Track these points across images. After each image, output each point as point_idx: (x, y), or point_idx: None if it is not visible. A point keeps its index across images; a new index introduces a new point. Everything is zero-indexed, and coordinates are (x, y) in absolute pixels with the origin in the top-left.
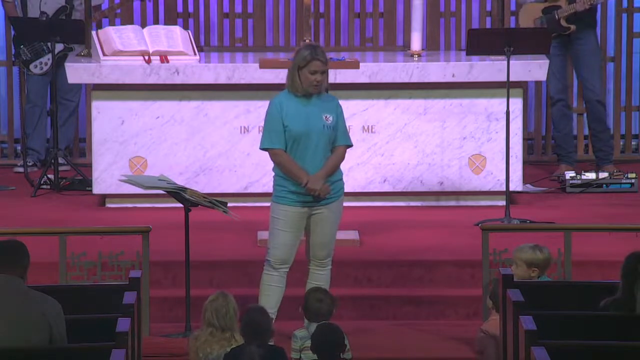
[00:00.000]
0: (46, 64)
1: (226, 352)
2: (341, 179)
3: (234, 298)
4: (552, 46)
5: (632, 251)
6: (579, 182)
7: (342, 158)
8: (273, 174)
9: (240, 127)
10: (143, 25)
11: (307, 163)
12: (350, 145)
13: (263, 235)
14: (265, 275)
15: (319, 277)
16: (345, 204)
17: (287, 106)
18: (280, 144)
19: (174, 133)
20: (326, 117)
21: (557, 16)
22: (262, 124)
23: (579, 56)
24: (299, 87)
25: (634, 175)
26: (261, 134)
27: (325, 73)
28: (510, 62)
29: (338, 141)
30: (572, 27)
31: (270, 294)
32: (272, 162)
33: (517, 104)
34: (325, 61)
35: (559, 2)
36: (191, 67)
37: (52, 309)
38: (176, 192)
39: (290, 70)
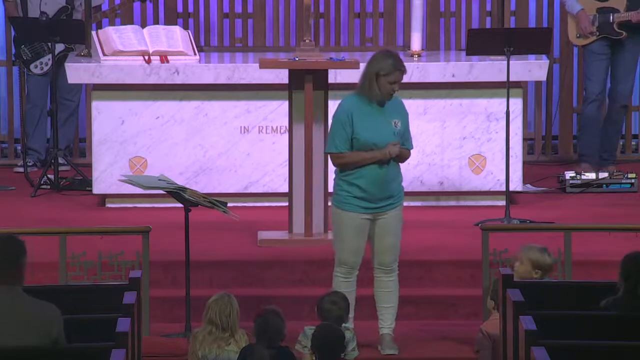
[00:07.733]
0: (46, 64)
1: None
2: (401, 183)
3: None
4: (597, 46)
5: (630, 251)
6: (579, 182)
7: (407, 158)
8: (334, 177)
9: (240, 127)
10: (143, 25)
11: (373, 170)
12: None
13: (263, 235)
14: (337, 280)
15: (387, 284)
16: None
17: (357, 115)
18: (345, 149)
19: (174, 133)
20: (395, 122)
21: (612, 19)
22: (262, 123)
23: (620, 59)
24: (376, 94)
25: (634, 175)
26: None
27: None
28: (510, 62)
29: (405, 145)
30: (624, 34)
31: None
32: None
33: (517, 104)
34: (405, 72)
35: (616, 6)
36: (191, 67)
37: (52, 318)
38: (176, 192)
39: (365, 75)
